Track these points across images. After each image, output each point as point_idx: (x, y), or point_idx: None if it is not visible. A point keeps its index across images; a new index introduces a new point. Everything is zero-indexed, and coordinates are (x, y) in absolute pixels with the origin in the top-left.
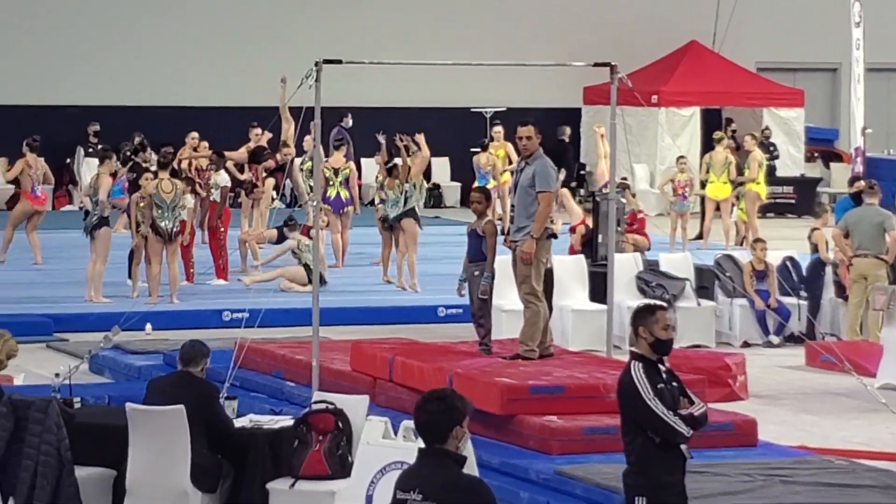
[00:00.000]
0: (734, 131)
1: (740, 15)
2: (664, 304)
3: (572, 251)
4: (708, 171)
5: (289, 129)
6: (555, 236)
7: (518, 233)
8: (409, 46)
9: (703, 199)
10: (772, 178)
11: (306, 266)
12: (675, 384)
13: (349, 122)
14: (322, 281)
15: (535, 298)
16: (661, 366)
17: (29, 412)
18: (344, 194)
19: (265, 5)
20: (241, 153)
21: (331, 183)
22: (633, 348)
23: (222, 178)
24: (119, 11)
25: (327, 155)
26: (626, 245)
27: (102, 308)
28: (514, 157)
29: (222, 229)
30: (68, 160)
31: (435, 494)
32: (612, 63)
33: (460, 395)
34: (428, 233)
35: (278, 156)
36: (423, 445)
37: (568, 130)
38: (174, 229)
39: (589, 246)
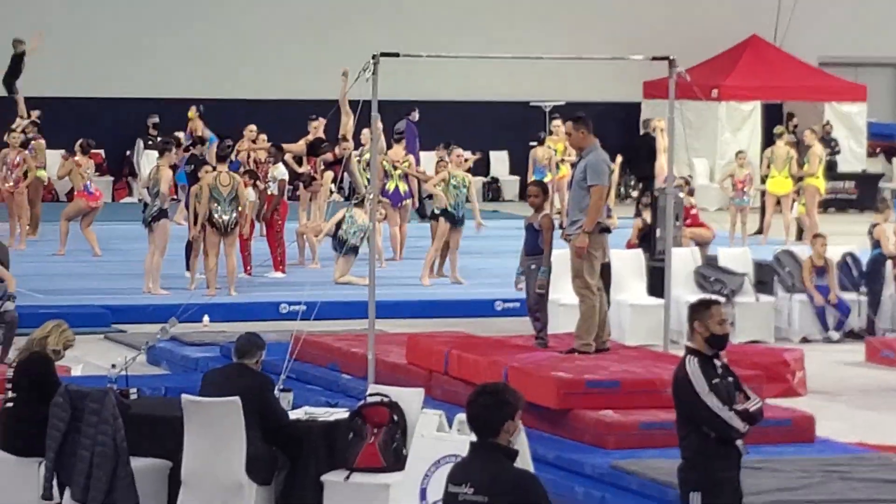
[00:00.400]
0: (795, 126)
1: (802, 9)
2: (720, 298)
3: (630, 246)
4: (769, 166)
5: (348, 122)
6: (608, 230)
7: (572, 226)
8: (468, 40)
9: (763, 193)
10: (833, 173)
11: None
12: (730, 379)
13: (416, 115)
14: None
15: (589, 292)
16: (716, 361)
17: (85, 403)
18: (403, 188)
19: None
20: (300, 146)
21: (390, 176)
22: (688, 343)
23: (280, 171)
24: (179, 4)
25: (388, 148)
26: (685, 240)
27: (160, 300)
28: (573, 151)
29: (280, 222)
30: (128, 152)
31: (485, 488)
32: (671, 57)
33: (513, 389)
34: (487, 226)
35: (337, 149)
36: (475, 439)
37: (654, 124)
38: (232, 222)
39: (646, 240)
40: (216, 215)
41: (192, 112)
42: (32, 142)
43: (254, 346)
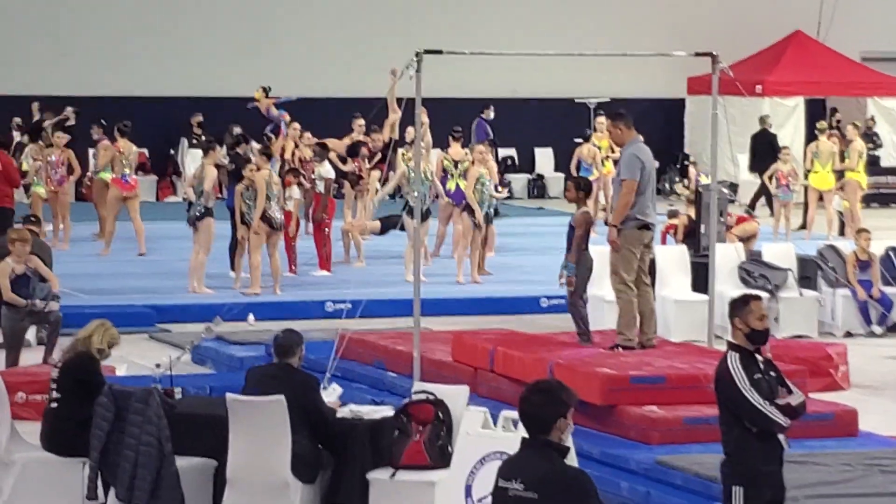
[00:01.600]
0: (838, 121)
1: (845, 4)
2: (759, 293)
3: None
4: (813, 161)
5: (395, 120)
6: (647, 227)
7: None
8: (511, 37)
9: (806, 189)
10: (876, 167)
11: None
12: (772, 374)
13: (491, 114)
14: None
15: (625, 287)
16: (758, 356)
17: (130, 403)
18: (463, 185)
19: None
20: (343, 143)
21: (450, 175)
22: (730, 339)
23: (326, 170)
24: (224, 3)
25: (446, 146)
26: (730, 237)
27: (205, 299)
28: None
29: (327, 220)
30: (172, 151)
31: (537, 485)
32: (714, 53)
33: (566, 386)
34: (531, 223)
35: (370, 143)
36: (525, 435)
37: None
38: (281, 220)
39: (691, 237)
40: (269, 212)
41: (259, 93)
42: (98, 143)
43: (293, 345)
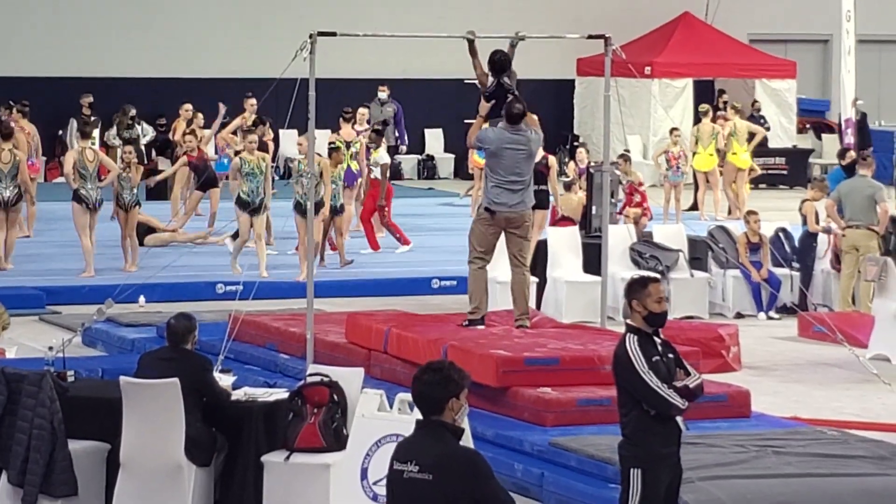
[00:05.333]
0: (725, 103)
1: None
2: (657, 276)
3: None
4: (696, 143)
5: None
6: (490, 211)
7: None
8: (403, 18)
9: (695, 169)
10: (763, 149)
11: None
12: (671, 356)
13: (383, 95)
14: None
15: (471, 260)
16: (656, 338)
17: (22, 385)
18: (355, 167)
19: None
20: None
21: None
22: (628, 321)
23: (381, 155)
24: None
25: (337, 128)
26: (628, 219)
27: (96, 281)
28: None
29: (387, 205)
30: (60, 132)
31: (431, 466)
32: (606, 35)
33: (458, 367)
34: (422, 203)
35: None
36: (420, 417)
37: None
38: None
39: (582, 217)
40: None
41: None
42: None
43: (187, 328)
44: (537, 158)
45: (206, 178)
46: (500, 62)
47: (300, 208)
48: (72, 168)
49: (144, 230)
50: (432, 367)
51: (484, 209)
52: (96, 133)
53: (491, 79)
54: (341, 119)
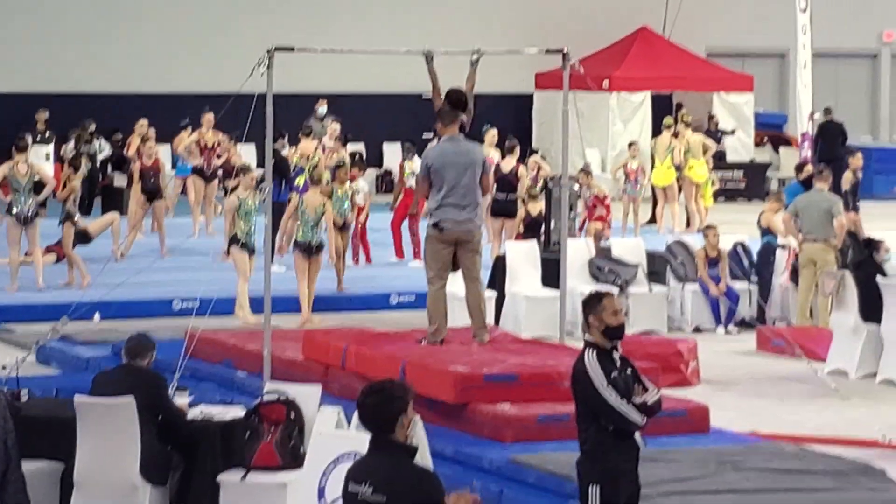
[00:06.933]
0: (683, 116)
1: (690, 0)
2: (611, 289)
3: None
4: (653, 157)
5: None
6: (438, 227)
7: None
8: (363, 33)
9: (652, 184)
10: (722, 162)
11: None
12: (629, 371)
13: (321, 109)
14: None
15: (429, 280)
16: (615, 353)
17: None
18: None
19: None
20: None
21: (302, 170)
22: (586, 337)
23: (417, 165)
24: None
25: (295, 143)
26: (589, 231)
27: (50, 298)
28: None
29: (418, 213)
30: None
31: (385, 487)
32: (565, 49)
33: (400, 382)
34: (380, 218)
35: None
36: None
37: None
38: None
39: (530, 231)
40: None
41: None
42: None
43: (145, 348)
44: (507, 169)
45: (149, 189)
46: (457, 101)
47: (237, 242)
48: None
49: (81, 235)
50: (374, 390)
51: (432, 226)
52: (51, 148)
53: None
54: (301, 134)
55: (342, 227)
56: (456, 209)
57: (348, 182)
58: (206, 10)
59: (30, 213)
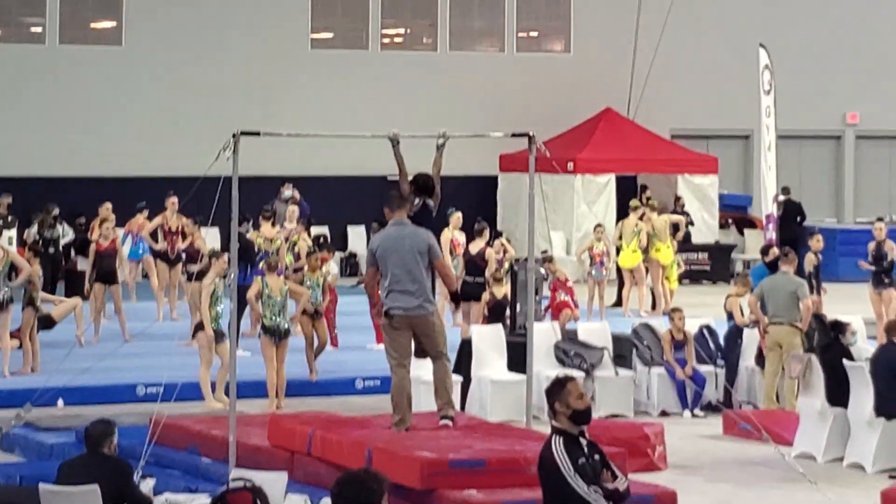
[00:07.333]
0: (648, 198)
1: (654, 82)
2: (574, 374)
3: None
4: (620, 239)
5: None
6: (388, 314)
7: None
8: (327, 116)
9: (619, 266)
10: (687, 244)
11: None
12: (597, 457)
13: (287, 192)
14: None
15: (391, 367)
16: (582, 439)
17: None
18: (289, 261)
19: (185, 76)
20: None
21: (267, 254)
22: (553, 423)
23: (333, 266)
24: (36, 81)
25: (257, 227)
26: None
27: (13, 384)
28: None
29: None
30: None
31: None
32: (531, 133)
33: (374, 473)
34: (344, 301)
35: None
36: None
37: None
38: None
39: (495, 314)
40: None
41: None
42: None
43: (104, 433)
44: (474, 251)
45: (105, 271)
46: (424, 186)
47: (203, 327)
48: None
49: (47, 320)
50: (349, 481)
51: (384, 315)
52: (14, 233)
53: (417, 200)
54: (262, 217)
55: (314, 315)
56: (404, 295)
57: (320, 268)
58: (171, 94)
59: (3, 299)
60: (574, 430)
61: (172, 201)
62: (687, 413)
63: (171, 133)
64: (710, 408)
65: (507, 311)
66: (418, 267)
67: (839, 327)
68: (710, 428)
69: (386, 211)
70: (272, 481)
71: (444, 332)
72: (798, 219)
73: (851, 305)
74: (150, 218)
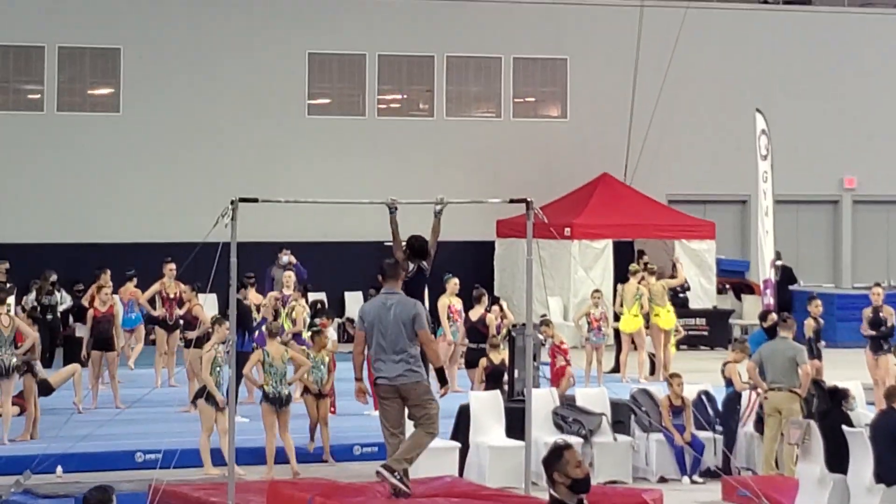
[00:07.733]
0: (646, 264)
1: (651, 147)
2: (571, 441)
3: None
4: (621, 304)
5: None
6: (376, 384)
7: None
8: (324, 182)
9: (617, 331)
10: (685, 310)
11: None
12: None
13: (284, 258)
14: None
15: (385, 438)
16: None
17: None
18: (288, 327)
19: (183, 142)
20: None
21: (265, 320)
22: (552, 492)
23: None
24: (28, 149)
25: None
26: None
27: (13, 451)
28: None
29: None
30: None
31: None
32: (528, 199)
33: None
34: (341, 368)
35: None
36: None
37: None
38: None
39: (493, 380)
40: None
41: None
42: None
43: (103, 500)
44: (475, 318)
45: (103, 337)
46: (419, 249)
47: (205, 395)
48: None
49: (46, 386)
50: None
51: (373, 384)
52: (12, 300)
53: (411, 265)
54: (249, 285)
55: (318, 395)
56: (389, 364)
57: (325, 346)
58: (168, 160)
59: (8, 365)
60: (573, 499)
61: (170, 268)
62: (686, 479)
63: (168, 199)
64: (709, 474)
65: (505, 377)
66: (402, 336)
67: (839, 393)
68: (709, 494)
69: (380, 279)
70: None
71: (434, 400)
72: (788, 283)
73: (849, 371)
74: (144, 285)
